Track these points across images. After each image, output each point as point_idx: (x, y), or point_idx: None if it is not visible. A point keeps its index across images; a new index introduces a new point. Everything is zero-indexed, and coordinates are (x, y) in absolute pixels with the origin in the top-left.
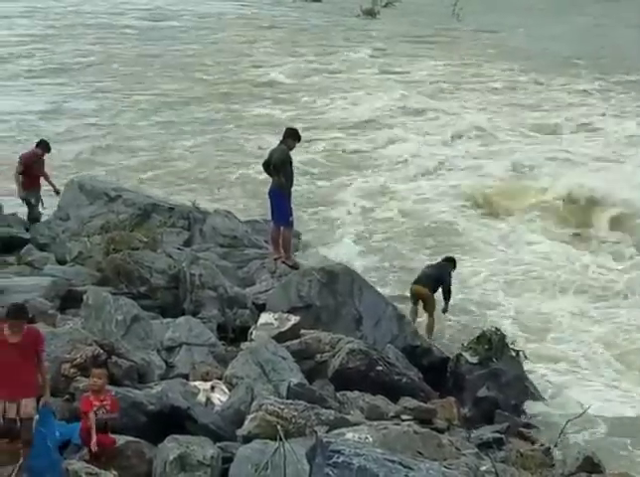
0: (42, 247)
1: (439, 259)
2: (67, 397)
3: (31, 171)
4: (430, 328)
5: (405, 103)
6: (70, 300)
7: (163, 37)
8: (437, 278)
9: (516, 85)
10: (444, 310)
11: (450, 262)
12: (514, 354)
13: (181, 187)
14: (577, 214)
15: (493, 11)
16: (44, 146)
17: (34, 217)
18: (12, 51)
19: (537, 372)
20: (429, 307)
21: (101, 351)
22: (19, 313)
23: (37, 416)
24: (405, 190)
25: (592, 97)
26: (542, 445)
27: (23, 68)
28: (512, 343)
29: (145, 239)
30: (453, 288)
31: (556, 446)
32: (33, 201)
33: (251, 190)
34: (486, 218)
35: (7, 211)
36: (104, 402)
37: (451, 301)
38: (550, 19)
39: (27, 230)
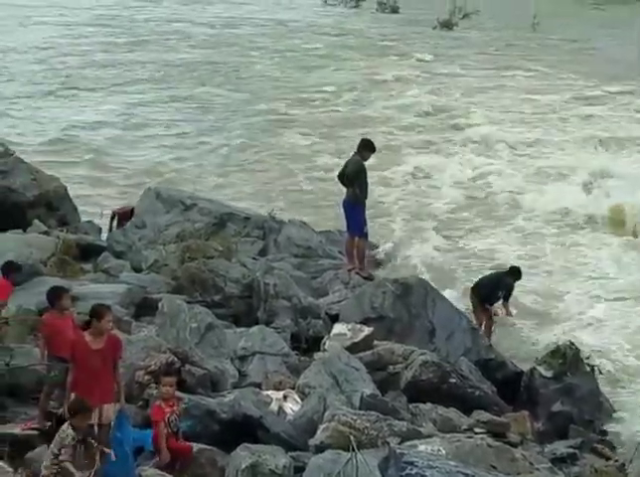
0: (118, 255)
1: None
2: (140, 403)
3: None
4: (486, 334)
5: None
6: (145, 308)
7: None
8: (489, 287)
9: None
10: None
11: (511, 273)
12: (588, 369)
13: (257, 196)
14: None
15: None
16: None
17: None
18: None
19: (612, 388)
20: (477, 314)
21: (175, 359)
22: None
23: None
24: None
25: None
26: (616, 461)
27: (107, 77)
28: (587, 358)
29: (220, 248)
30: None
31: (631, 462)
32: None
33: (326, 200)
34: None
35: (84, 218)
36: (175, 409)
37: (515, 312)
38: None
39: None
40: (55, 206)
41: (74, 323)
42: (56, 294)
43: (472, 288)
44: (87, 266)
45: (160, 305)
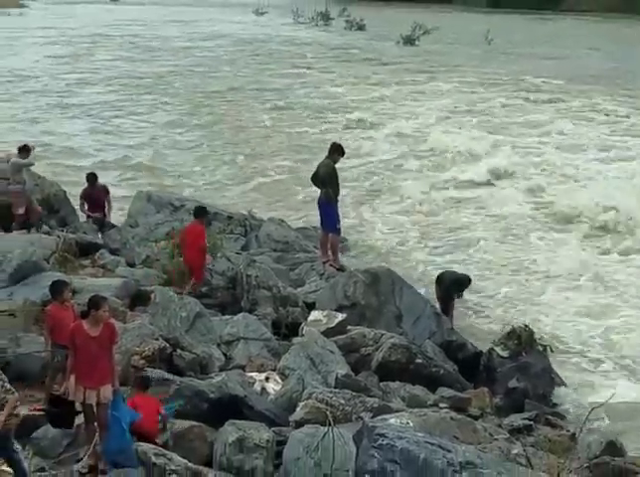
0: (113, 252)
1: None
2: None
3: None
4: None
5: None
6: (138, 299)
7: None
8: (446, 286)
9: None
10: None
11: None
12: (541, 348)
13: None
14: None
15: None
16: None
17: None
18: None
19: (563, 364)
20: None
21: (167, 345)
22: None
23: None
24: None
25: None
26: (568, 431)
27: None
28: (539, 338)
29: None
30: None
31: (581, 432)
32: None
33: (299, 200)
34: None
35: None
36: None
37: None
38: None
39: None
40: (55, 208)
41: (74, 313)
42: (57, 288)
43: (436, 280)
44: (86, 262)
45: (152, 296)
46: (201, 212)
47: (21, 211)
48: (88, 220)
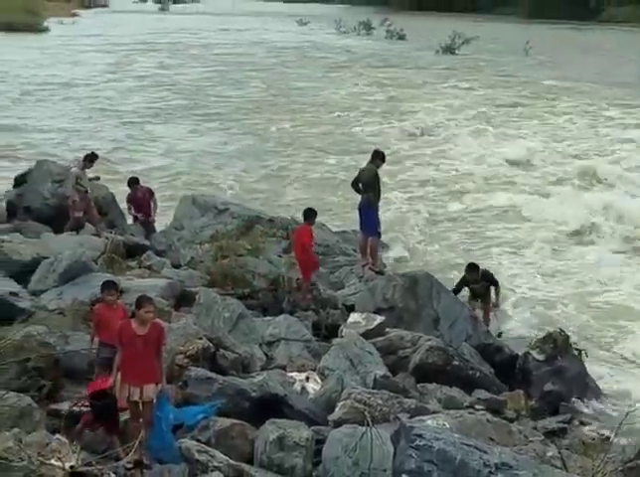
0: (159, 253)
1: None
2: (180, 383)
3: None
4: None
5: None
6: (183, 299)
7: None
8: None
9: None
10: None
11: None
12: (577, 353)
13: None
14: None
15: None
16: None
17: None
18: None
19: (597, 369)
20: (472, 304)
21: (211, 344)
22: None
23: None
24: None
25: None
26: (602, 435)
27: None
28: (575, 343)
29: (249, 247)
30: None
31: (615, 436)
32: None
33: (339, 204)
34: None
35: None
36: None
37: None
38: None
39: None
40: (104, 210)
41: (125, 313)
42: (102, 289)
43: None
44: (133, 263)
45: (197, 297)
46: (308, 213)
47: (78, 214)
48: (135, 222)
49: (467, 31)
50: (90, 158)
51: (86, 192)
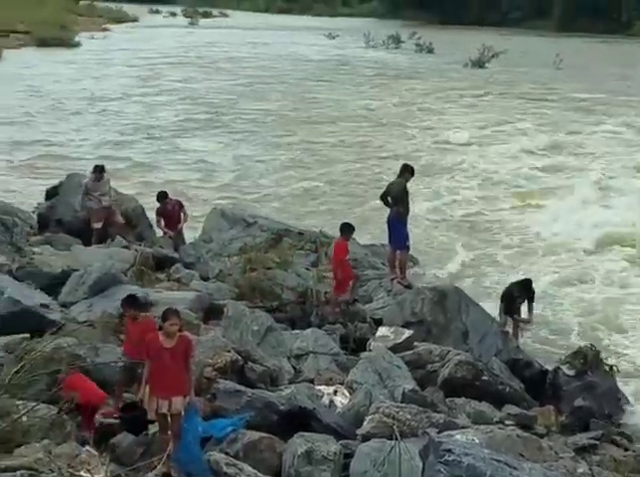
0: (188, 266)
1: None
2: (208, 396)
3: None
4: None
5: None
6: (211, 312)
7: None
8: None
9: None
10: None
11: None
12: (608, 368)
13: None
14: None
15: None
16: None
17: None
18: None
19: (629, 385)
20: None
21: (239, 357)
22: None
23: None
24: None
25: None
26: (633, 452)
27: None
28: (606, 358)
29: (278, 260)
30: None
31: None
32: None
33: (368, 218)
34: None
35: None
36: None
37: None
38: None
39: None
40: (134, 223)
41: (148, 326)
42: (121, 304)
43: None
44: (162, 276)
45: (225, 310)
46: (344, 228)
47: (97, 225)
48: (164, 235)
49: (496, 44)
50: (100, 169)
51: (100, 201)
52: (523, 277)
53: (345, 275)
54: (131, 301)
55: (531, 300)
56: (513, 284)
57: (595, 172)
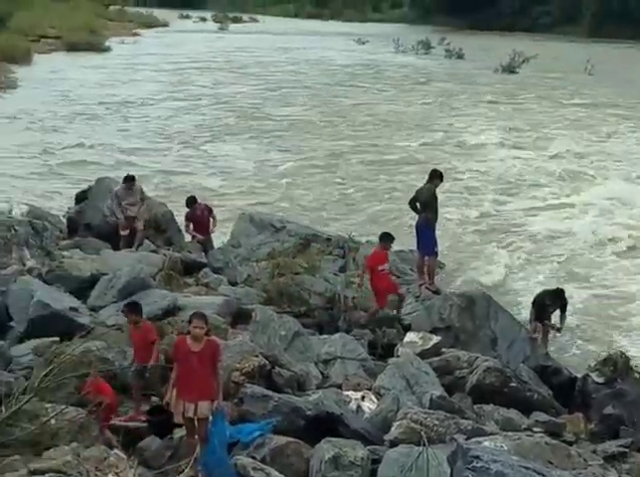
0: (216, 271)
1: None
2: (236, 400)
3: None
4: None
5: None
6: (239, 317)
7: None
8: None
9: None
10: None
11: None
12: (638, 376)
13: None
14: None
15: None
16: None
17: None
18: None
19: None
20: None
21: (267, 362)
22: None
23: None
24: None
25: None
26: None
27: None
28: (636, 366)
29: (306, 265)
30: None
31: None
32: None
33: (396, 224)
34: None
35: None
36: None
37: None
38: None
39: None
40: (162, 228)
41: (152, 331)
42: (122, 310)
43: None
44: (190, 280)
45: (253, 315)
46: (384, 237)
47: (124, 233)
48: (193, 240)
49: (526, 50)
50: (131, 178)
51: (126, 210)
52: (556, 286)
53: (381, 286)
54: (132, 307)
55: (563, 310)
56: (545, 292)
57: (624, 173)
